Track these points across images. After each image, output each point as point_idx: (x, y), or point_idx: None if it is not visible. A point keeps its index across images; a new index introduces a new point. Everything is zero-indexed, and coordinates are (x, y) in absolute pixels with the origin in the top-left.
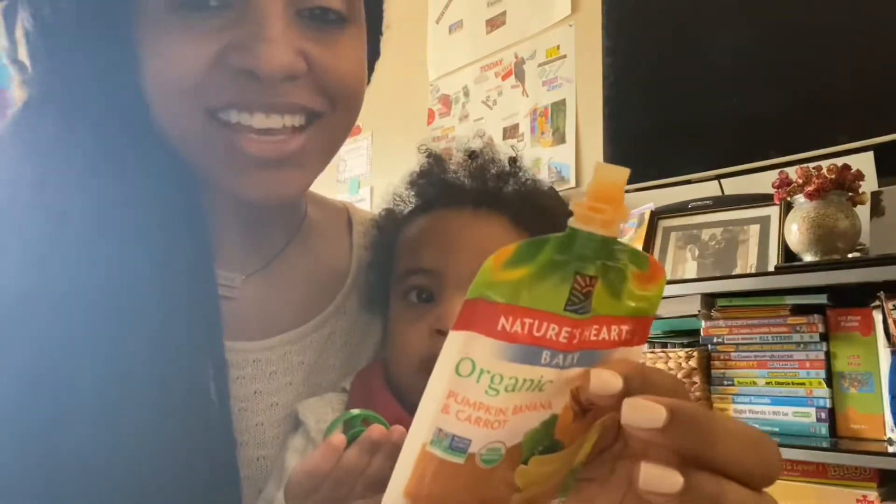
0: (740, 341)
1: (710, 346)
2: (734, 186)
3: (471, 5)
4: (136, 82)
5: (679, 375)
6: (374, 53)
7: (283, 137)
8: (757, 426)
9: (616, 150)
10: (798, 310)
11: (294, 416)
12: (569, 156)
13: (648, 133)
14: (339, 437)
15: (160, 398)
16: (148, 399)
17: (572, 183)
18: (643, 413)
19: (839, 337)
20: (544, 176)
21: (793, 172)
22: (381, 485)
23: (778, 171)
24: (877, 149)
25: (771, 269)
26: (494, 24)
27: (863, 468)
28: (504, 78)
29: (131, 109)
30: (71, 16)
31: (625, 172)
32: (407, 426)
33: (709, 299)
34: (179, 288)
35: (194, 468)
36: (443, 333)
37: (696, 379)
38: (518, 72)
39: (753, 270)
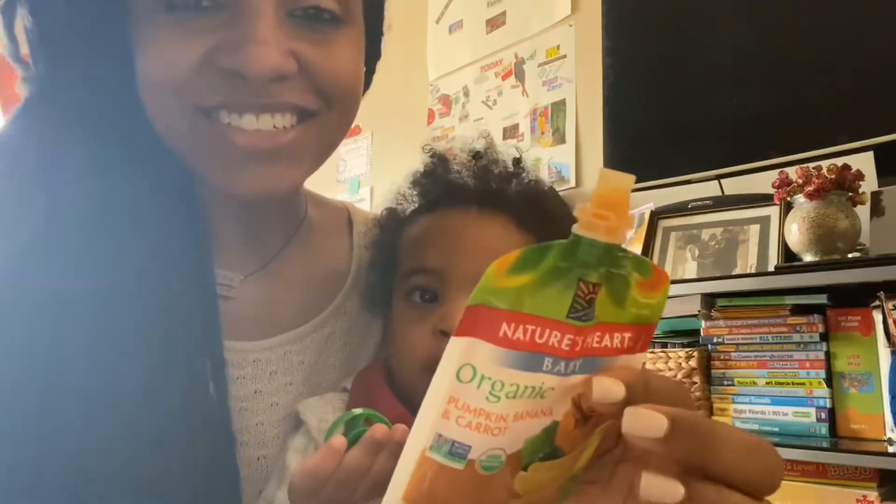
0: (740, 341)
1: (710, 346)
2: (734, 186)
3: (471, 5)
4: (133, 80)
5: (679, 375)
6: (374, 54)
7: (275, 132)
8: (757, 426)
9: (616, 150)
10: (798, 310)
11: (295, 415)
12: (569, 156)
13: (648, 133)
14: (339, 440)
15: (159, 397)
16: (146, 398)
17: (572, 183)
18: (644, 423)
19: (839, 337)
20: (544, 176)
21: (793, 172)
22: (385, 485)
23: (778, 171)
24: (877, 149)
25: (771, 269)
26: (494, 24)
27: (863, 468)
28: (504, 78)
29: (129, 108)
30: (64, 13)
31: (630, 179)
32: (410, 426)
33: (709, 299)
34: (178, 287)
35: (193, 467)
36: (446, 333)
37: (696, 379)
38: (518, 72)
39: (753, 270)
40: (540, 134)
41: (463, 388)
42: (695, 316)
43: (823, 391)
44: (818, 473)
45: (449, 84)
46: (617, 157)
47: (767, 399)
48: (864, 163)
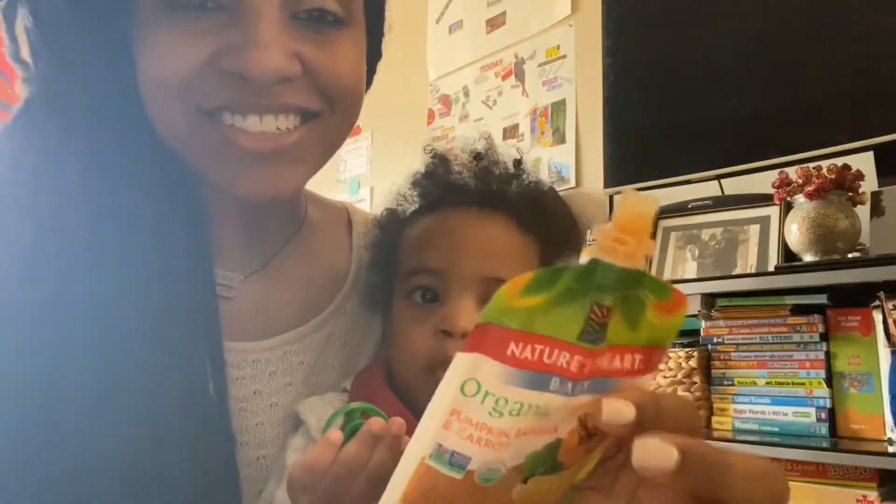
0: (740, 341)
1: (710, 346)
2: (734, 186)
3: (471, 5)
4: (135, 81)
5: (679, 375)
6: (375, 54)
7: (279, 133)
8: (757, 426)
9: (616, 150)
10: (798, 310)
11: (294, 415)
12: (569, 156)
13: (648, 133)
14: (335, 433)
15: (158, 397)
16: (146, 398)
17: (572, 183)
18: (655, 455)
19: (839, 337)
20: (544, 176)
21: (793, 172)
22: (383, 478)
23: (778, 171)
24: (877, 149)
25: (771, 269)
26: (494, 24)
27: (863, 468)
28: (504, 78)
29: (130, 108)
30: (66, 13)
31: (653, 203)
32: (410, 425)
33: (709, 299)
34: (177, 287)
35: (193, 467)
36: (447, 333)
37: (696, 379)
38: (518, 72)
39: (753, 270)
40: (540, 134)
41: (466, 402)
42: (695, 316)
43: (823, 391)
44: (818, 473)
45: (449, 84)
46: (617, 157)
47: (767, 399)
48: (864, 163)
